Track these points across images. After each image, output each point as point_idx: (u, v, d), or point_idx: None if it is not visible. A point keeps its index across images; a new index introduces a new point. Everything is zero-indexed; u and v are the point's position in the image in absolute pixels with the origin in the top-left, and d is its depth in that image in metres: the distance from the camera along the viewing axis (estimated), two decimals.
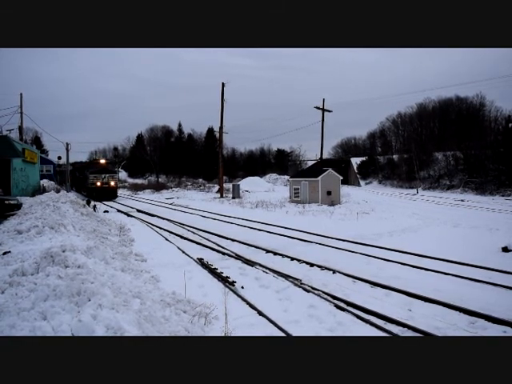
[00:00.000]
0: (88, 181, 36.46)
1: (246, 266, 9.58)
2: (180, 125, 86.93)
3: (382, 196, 39.26)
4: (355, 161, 68.39)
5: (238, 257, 10.52)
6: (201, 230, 15.57)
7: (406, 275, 8.57)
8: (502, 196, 36.93)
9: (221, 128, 39.27)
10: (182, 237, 14.03)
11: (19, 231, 9.79)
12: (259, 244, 12.29)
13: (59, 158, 50.34)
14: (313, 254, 10.85)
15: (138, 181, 73.73)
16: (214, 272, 8.74)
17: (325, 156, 52.63)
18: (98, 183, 35.69)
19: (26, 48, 4.51)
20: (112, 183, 36.61)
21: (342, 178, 30.55)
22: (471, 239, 13.17)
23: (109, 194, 35.90)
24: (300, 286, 7.72)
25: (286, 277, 8.41)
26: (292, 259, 10.25)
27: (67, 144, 37.15)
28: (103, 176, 36.16)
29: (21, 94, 35.63)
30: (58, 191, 23.60)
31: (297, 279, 8.22)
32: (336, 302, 6.79)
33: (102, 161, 39.61)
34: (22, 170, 25.54)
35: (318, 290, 7.39)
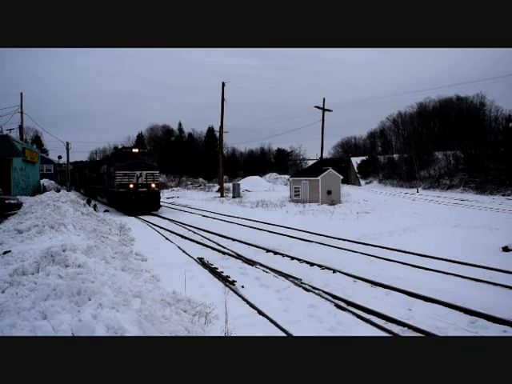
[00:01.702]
0: (113, 181, 23.21)
1: (246, 265, 9.58)
2: (180, 124, 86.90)
3: (382, 195, 39.25)
4: (355, 160, 68.38)
5: (238, 256, 10.52)
6: (201, 230, 15.58)
7: (407, 275, 8.56)
8: (503, 195, 36.89)
9: (221, 127, 39.27)
10: (182, 236, 14.03)
11: (19, 230, 9.80)
12: (259, 243, 12.29)
13: (59, 157, 50.42)
14: (313, 253, 10.85)
15: None
16: (214, 271, 8.74)
17: (325, 155, 52.69)
18: (131, 185, 22.26)
19: (26, 48, 4.52)
20: (153, 185, 23.01)
21: (342, 177, 30.55)
22: (472, 239, 13.17)
23: (148, 203, 22.69)
24: (300, 286, 7.72)
25: (286, 276, 8.41)
26: (292, 259, 10.25)
27: (67, 143, 37.16)
28: (138, 173, 22.53)
29: (21, 94, 35.69)
30: (58, 191, 23.61)
31: (297, 279, 8.22)
32: (336, 301, 6.79)
33: (135, 149, 24.51)
34: (22, 169, 25.56)
35: (319, 290, 7.39)
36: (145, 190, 22.58)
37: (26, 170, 26.73)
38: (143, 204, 22.40)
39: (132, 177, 22.41)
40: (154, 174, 23.17)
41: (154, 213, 21.96)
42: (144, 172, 22.75)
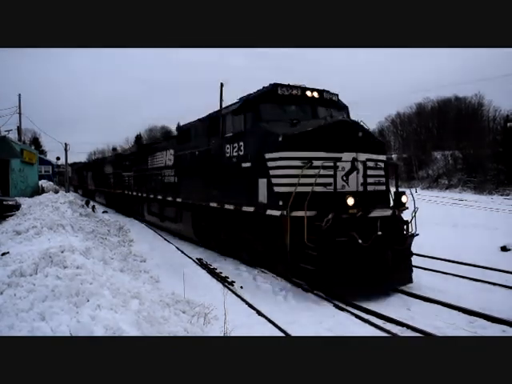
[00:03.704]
0: (255, 186, 7.63)
1: (245, 266, 9.55)
2: (179, 125, 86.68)
3: None
4: None
5: None
6: None
7: None
8: (501, 195, 36.98)
9: None
10: (181, 237, 14.00)
11: (18, 232, 9.75)
12: None
13: (58, 158, 50.13)
14: None
15: None
16: (213, 272, 8.72)
17: None
18: (350, 200, 6.46)
19: (25, 48, 4.51)
20: (404, 199, 8.03)
21: None
22: (470, 238, 13.16)
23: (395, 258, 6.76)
24: (299, 286, 7.71)
25: None
26: None
27: (66, 144, 36.98)
28: (350, 159, 6.89)
29: (19, 95, 35.52)
30: (56, 192, 23.58)
31: None
32: (335, 301, 6.78)
33: (312, 92, 8.58)
34: (20, 170, 25.47)
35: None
36: (387, 214, 7.34)
37: (25, 171, 26.64)
38: (381, 260, 6.88)
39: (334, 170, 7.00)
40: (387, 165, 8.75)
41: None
42: (365, 156, 7.53)
